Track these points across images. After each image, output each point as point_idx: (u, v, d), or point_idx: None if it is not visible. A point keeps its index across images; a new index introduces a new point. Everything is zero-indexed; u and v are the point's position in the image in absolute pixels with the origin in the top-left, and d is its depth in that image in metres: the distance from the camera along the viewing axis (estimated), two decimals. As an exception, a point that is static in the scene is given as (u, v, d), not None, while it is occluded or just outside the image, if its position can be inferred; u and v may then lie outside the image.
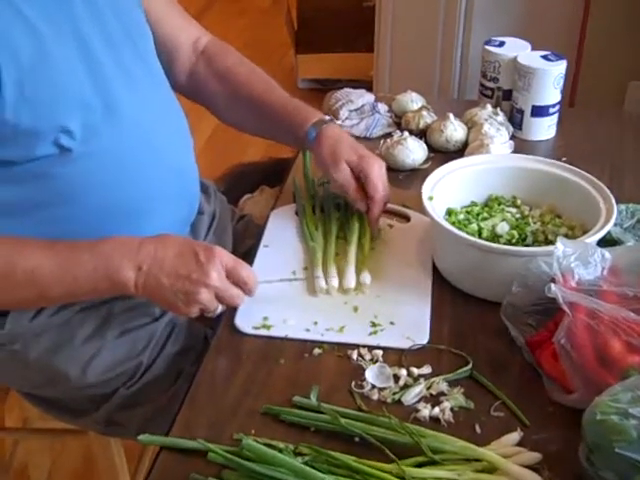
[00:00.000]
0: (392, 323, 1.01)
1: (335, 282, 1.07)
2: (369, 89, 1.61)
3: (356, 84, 1.77)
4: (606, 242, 1.04)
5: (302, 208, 1.23)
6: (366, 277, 1.08)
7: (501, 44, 1.50)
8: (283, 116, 1.18)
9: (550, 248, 0.96)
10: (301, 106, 1.20)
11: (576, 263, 0.93)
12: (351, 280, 1.07)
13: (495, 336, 0.99)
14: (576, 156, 1.36)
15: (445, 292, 1.07)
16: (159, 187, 1.07)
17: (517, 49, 1.48)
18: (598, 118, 1.57)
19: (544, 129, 1.47)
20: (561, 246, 0.94)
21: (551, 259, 0.93)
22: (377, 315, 1.02)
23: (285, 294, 1.06)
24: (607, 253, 0.94)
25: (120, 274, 0.93)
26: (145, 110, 1.04)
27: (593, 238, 1.00)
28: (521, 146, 1.42)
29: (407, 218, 1.23)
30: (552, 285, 0.90)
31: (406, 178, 1.35)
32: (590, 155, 1.39)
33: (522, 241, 1.10)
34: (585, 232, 1.05)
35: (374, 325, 1.01)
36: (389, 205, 1.23)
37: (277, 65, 3.55)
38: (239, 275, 0.95)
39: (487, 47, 1.50)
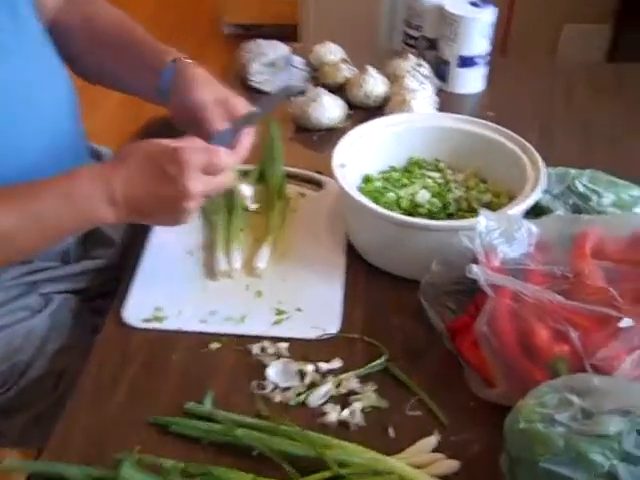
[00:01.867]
0: (299, 309, 0.90)
1: (238, 263, 0.96)
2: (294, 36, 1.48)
3: (283, 29, 1.64)
4: (534, 210, 0.95)
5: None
6: (262, 259, 0.97)
7: (427, -11, 1.38)
8: (143, 47, 1.06)
9: (473, 221, 0.86)
10: (164, 46, 1.07)
11: (500, 240, 0.84)
12: (263, 259, 0.96)
13: (413, 321, 0.89)
14: (505, 111, 1.27)
15: (360, 271, 0.96)
16: (33, 143, 0.97)
17: (444, -5, 1.36)
18: (530, 68, 1.47)
19: (471, 81, 1.36)
20: (484, 220, 0.85)
21: (474, 234, 0.84)
22: (282, 301, 0.91)
23: (180, 280, 0.95)
24: (534, 227, 0.85)
25: (96, 215, 0.86)
26: (22, 67, 0.95)
27: (518, 208, 0.91)
28: (447, 100, 1.31)
29: (320, 185, 1.11)
30: (473, 266, 0.80)
31: (321, 139, 1.23)
32: (519, 110, 1.30)
33: (444, 210, 1.01)
34: (511, 199, 0.95)
35: (279, 312, 0.90)
36: (300, 170, 1.12)
37: (199, 9, 3.34)
38: (216, 168, 0.86)
39: (412, -8, 1.38)
